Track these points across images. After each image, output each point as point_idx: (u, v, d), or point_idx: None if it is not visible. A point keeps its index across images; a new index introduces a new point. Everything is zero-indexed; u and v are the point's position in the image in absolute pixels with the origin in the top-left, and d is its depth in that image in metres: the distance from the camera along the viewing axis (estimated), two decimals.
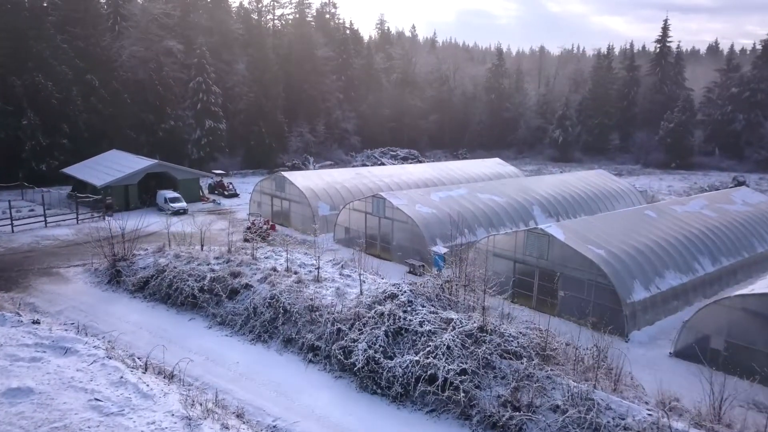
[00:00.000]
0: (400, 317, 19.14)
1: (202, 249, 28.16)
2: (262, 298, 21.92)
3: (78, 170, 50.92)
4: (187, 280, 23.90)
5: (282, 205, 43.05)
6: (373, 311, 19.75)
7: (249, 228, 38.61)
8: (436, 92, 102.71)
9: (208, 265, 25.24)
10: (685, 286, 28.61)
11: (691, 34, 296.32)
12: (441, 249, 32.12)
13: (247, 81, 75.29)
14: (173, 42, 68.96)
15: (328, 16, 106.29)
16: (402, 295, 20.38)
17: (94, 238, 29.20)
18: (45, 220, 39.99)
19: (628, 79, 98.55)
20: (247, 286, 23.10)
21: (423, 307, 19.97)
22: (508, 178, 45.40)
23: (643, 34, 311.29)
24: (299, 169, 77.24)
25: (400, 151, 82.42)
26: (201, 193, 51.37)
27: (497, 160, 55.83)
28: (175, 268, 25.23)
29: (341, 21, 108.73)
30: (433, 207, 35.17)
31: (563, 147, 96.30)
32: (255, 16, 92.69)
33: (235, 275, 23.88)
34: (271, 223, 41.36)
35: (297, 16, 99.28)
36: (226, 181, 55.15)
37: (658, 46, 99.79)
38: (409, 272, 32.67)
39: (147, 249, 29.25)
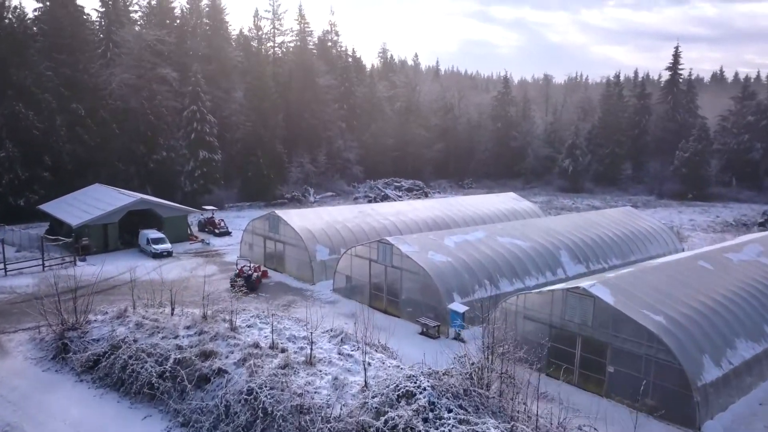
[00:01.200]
0: None
1: (172, 313, 22.83)
2: (237, 392, 16.53)
3: (55, 207, 45.88)
4: (146, 362, 18.54)
5: (276, 247, 37.85)
6: (382, 420, 14.39)
7: (236, 277, 33.36)
8: (440, 121, 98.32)
9: (175, 338, 19.91)
10: (758, 357, 23.19)
11: (692, 62, 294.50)
12: (460, 307, 26.77)
13: (245, 110, 70.77)
14: (167, 69, 64.58)
15: (330, 43, 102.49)
16: (420, 394, 15.03)
17: (49, 293, 23.92)
18: (5, 267, 34.68)
19: (639, 107, 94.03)
20: (220, 372, 17.72)
21: (449, 411, 14.61)
22: (529, 219, 40.28)
23: (644, 63, 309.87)
24: (299, 201, 72.35)
25: (404, 182, 77.51)
26: (189, 232, 46.24)
27: (511, 194, 50.75)
28: (134, 342, 19.89)
29: (343, 49, 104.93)
30: (448, 254, 29.92)
31: (573, 177, 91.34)
32: (255, 44, 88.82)
33: (206, 355, 18.52)
34: (263, 269, 36.11)
35: (298, 43, 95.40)
36: (217, 217, 50.01)
37: (670, 73, 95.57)
38: (422, 333, 27.31)
39: (107, 312, 23.87)
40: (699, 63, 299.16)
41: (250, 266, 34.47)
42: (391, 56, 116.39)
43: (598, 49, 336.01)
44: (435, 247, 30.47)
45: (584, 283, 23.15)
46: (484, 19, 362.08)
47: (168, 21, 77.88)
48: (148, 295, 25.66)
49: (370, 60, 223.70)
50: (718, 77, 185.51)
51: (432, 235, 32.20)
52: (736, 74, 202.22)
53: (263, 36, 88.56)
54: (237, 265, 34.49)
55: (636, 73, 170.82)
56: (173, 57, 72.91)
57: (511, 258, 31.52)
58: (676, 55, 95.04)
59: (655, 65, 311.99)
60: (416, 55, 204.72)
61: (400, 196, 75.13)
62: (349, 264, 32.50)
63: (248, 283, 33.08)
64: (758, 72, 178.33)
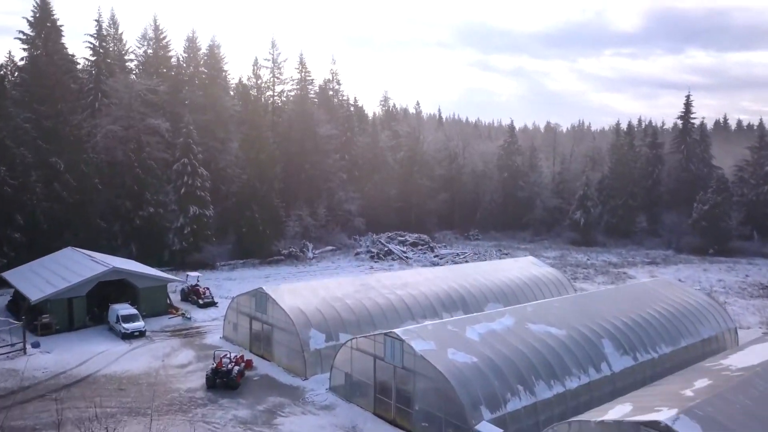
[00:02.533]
0: None
1: None
2: None
3: (18, 276, 39.93)
4: None
5: (263, 329, 31.69)
6: None
7: (214, 373, 27.11)
8: (444, 171, 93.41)
9: None
10: None
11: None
12: (491, 428, 20.48)
13: (241, 162, 65.68)
14: (158, 120, 59.80)
15: (331, 92, 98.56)
16: None
17: None
18: None
19: (651, 157, 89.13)
20: None
21: None
22: (561, 298, 34.11)
23: (643, 111, 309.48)
24: (296, 258, 66.41)
25: (408, 236, 71.74)
26: (169, 302, 40.14)
27: (531, 259, 44.82)
28: None
29: (345, 97, 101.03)
30: (471, 351, 23.78)
31: (585, 229, 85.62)
32: (254, 92, 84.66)
33: None
34: (246, 358, 29.85)
35: (299, 92, 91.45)
36: (202, 284, 43.92)
37: (681, 122, 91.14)
38: None
39: None
40: (696, 110, 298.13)
41: (230, 357, 28.23)
42: (394, 105, 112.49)
43: (596, 97, 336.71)
44: (455, 341, 24.34)
45: (664, 415, 16.93)
46: (484, 68, 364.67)
47: (164, 69, 73.83)
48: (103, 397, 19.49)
49: (372, 108, 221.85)
50: (720, 125, 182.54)
51: (451, 324, 26.06)
52: (739, 122, 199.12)
53: (262, 85, 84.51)
54: (215, 358, 28.24)
55: (640, 120, 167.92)
56: (167, 107, 68.48)
57: (547, 352, 25.35)
58: (688, 104, 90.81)
59: (653, 112, 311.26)
60: (418, 103, 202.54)
61: (405, 252, 69.21)
62: (348, 358, 26.32)
63: (228, 380, 26.85)
64: (760, 119, 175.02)
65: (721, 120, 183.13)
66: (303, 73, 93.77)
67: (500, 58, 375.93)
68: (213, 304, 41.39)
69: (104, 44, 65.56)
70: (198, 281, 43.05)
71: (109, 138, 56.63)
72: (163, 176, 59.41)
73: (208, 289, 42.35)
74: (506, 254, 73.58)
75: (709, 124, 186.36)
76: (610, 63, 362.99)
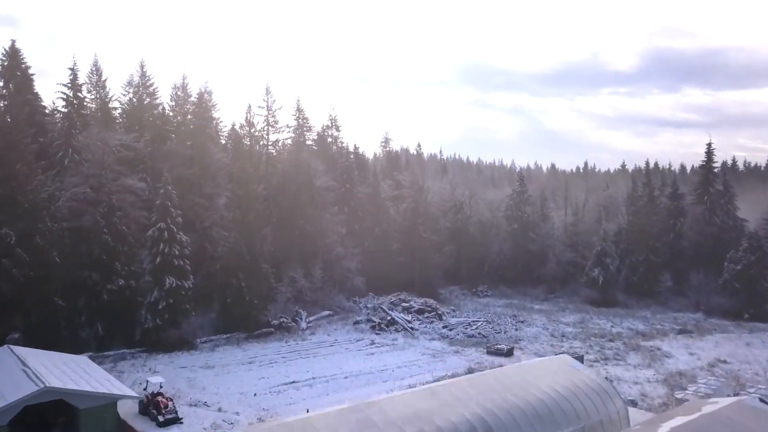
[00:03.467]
0: None
1: None
2: None
3: None
4: None
5: None
6: None
7: None
8: (450, 223, 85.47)
9: None
10: None
11: (686, 147, 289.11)
12: None
13: (227, 222, 57.69)
14: (132, 180, 52.13)
15: (330, 139, 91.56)
16: None
17: None
18: None
19: (672, 209, 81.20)
20: None
21: None
22: None
23: (642, 148, 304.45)
24: (287, 329, 57.71)
25: (414, 301, 63.18)
26: (118, 419, 31.45)
27: (566, 359, 36.24)
28: None
29: (344, 144, 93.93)
30: None
31: (604, 288, 77.19)
32: (247, 141, 77.29)
33: None
34: None
35: (296, 138, 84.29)
36: (166, 391, 35.14)
37: (702, 171, 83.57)
38: None
39: None
40: (692, 147, 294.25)
41: None
42: (397, 152, 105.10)
43: (595, 134, 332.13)
44: None
45: None
46: (484, 106, 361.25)
47: (151, 118, 66.66)
48: None
49: (372, 148, 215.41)
50: (728, 167, 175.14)
51: None
52: (746, 163, 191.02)
53: (256, 133, 77.18)
54: None
55: (647, 164, 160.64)
56: (149, 161, 61.02)
57: None
58: (710, 153, 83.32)
59: (652, 150, 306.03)
60: (419, 145, 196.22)
61: (410, 322, 60.54)
62: None
63: None
64: None
65: (729, 161, 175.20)
66: (300, 120, 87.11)
67: (499, 96, 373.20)
68: (176, 420, 32.62)
69: (79, 94, 58.32)
70: (161, 387, 34.39)
71: (76, 201, 48.74)
72: (137, 242, 51.34)
73: (171, 400, 33.61)
74: (522, 321, 64.99)
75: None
76: (607, 101, 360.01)
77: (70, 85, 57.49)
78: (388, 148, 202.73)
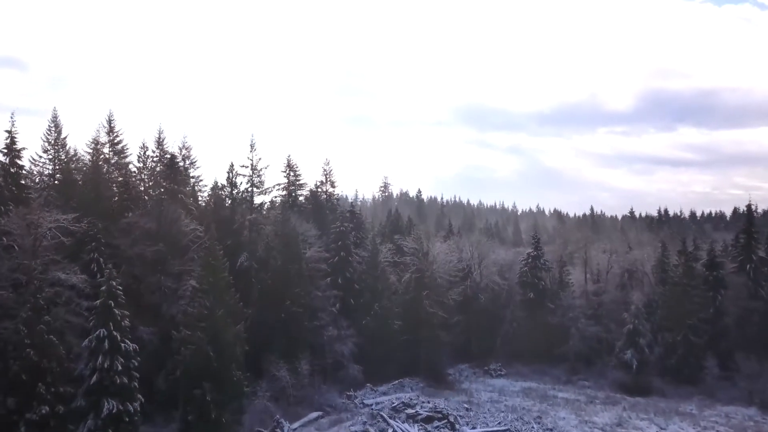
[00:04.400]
0: None
1: None
2: None
3: None
4: None
5: None
6: None
7: None
8: (459, 295, 73.72)
9: None
10: None
11: (683, 185, 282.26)
12: None
13: (191, 319, 45.83)
14: (69, 273, 40.66)
15: (324, 196, 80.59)
16: None
17: None
18: None
19: (711, 280, 69.74)
20: None
21: None
22: None
23: (640, 186, 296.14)
24: None
25: (420, 409, 50.76)
26: None
27: None
28: None
29: (340, 198, 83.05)
30: None
31: (637, 372, 65.12)
32: (229, 204, 66.14)
33: None
34: None
35: (286, 199, 73.38)
36: None
37: (744, 236, 72.43)
38: None
39: None
40: (690, 185, 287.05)
41: None
42: (399, 217, 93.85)
43: (592, 172, 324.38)
44: None
45: None
46: (482, 145, 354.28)
47: (120, 178, 55.70)
48: None
49: (371, 189, 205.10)
50: (740, 213, 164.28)
51: None
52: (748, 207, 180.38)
53: (238, 196, 66.07)
54: None
55: (660, 212, 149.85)
56: (103, 238, 49.70)
57: None
58: (750, 215, 72.42)
59: (650, 188, 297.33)
60: (419, 191, 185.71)
61: None
62: None
63: None
64: None
65: (739, 209, 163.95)
66: (290, 176, 76.43)
67: (497, 135, 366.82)
68: None
69: (18, 160, 47.29)
70: None
71: None
72: (73, 355, 39.54)
73: None
74: (551, 430, 52.59)
75: (726, 210, 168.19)
76: (604, 140, 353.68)
77: (6, 150, 46.54)
78: (386, 193, 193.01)
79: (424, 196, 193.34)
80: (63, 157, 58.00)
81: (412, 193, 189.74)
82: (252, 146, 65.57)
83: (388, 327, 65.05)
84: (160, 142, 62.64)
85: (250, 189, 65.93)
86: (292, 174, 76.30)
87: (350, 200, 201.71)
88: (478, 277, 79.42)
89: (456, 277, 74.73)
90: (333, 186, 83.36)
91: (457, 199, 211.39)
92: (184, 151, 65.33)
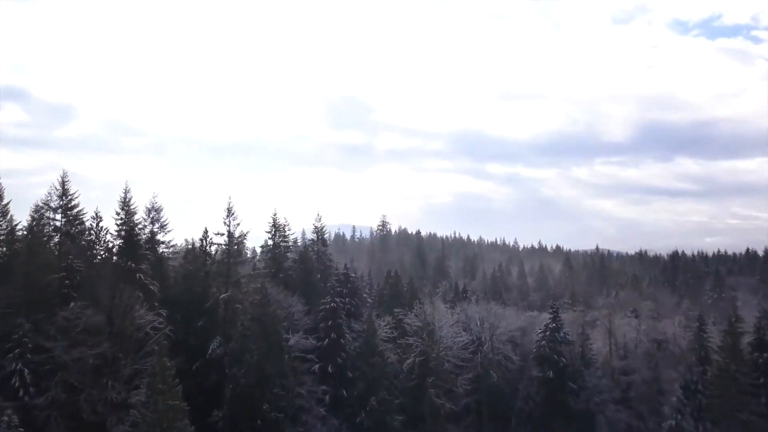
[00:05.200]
0: None
1: None
2: None
3: None
4: None
5: None
6: None
7: None
8: (469, 382, 62.63)
9: None
10: None
11: (680, 215, 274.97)
12: None
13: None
14: None
15: (314, 256, 70.10)
16: None
17: None
18: None
19: (760, 363, 58.84)
20: None
21: None
22: None
23: (636, 216, 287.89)
24: None
25: None
26: None
27: None
28: None
29: (332, 261, 72.62)
30: None
31: None
32: (201, 275, 55.48)
33: None
34: None
35: (269, 270, 62.79)
36: None
37: None
38: None
39: None
40: (687, 215, 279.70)
41: None
42: (397, 274, 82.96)
43: (590, 202, 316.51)
44: None
45: None
46: (479, 176, 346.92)
47: (38, 271, 44.71)
48: None
49: (368, 223, 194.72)
50: (753, 253, 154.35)
51: None
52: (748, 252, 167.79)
53: (213, 269, 55.47)
54: None
55: (675, 254, 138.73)
56: (24, 348, 38.91)
57: None
58: None
59: (646, 217, 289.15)
60: (419, 231, 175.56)
61: None
62: None
63: None
64: None
65: (752, 250, 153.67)
66: (276, 237, 66.14)
67: (495, 166, 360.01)
68: None
69: None
70: None
71: None
72: None
73: None
74: None
75: (736, 250, 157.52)
76: (601, 170, 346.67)
77: None
78: (384, 232, 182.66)
79: (423, 232, 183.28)
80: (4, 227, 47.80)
81: (411, 230, 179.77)
82: (230, 211, 55.33)
83: (388, 425, 53.88)
84: (126, 203, 52.59)
85: (226, 260, 55.38)
86: (278, 235, 66.08)
87: (348, 237, 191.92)
88: (489, 351, 68.37)
89: (466, 359, 63.64)
90: (324, 245, 73.12)
91: (456, 235, 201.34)
92: (153, 213, 55.21)
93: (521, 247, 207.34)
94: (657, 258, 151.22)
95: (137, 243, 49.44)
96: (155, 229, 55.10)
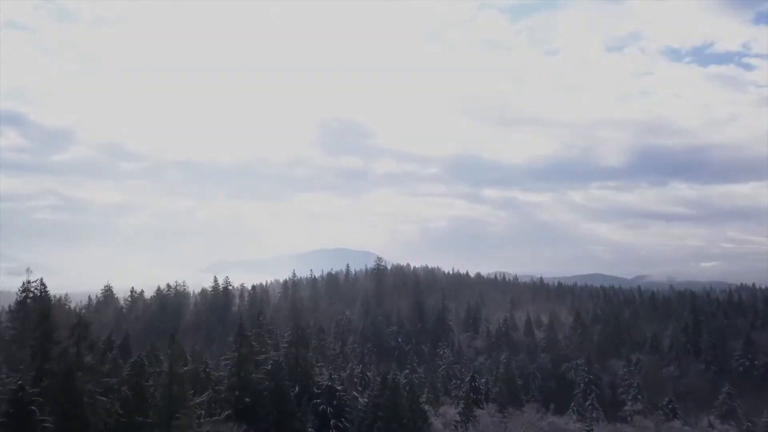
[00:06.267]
0: None
1: None
2: None
3: None
4: None
5: None
6: None
7: None
8: None
9: None
10: None
11: (676, 239, 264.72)
12: None
13: None
14: None
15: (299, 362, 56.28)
16: None
17: None
18: None
19: None
20: None
21: None
22: None
23: (633, 240, 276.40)
24: None
25: None
26: None
27: None
28: None
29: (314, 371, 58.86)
30: None
31: None
32: None
33: None
34: None
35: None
36: None
37: None
38: None
39: None
40: (683, 239, 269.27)
41: None
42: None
43: (586, 226, 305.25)
44: None
45: None
46: (475, 200, 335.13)
47: None
48: None
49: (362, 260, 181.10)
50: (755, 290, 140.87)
51: None
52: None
53: None
54: None
55: (692, 296, 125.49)
56: None
57: None
58: None
59: (641, 241, 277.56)
60: (415, 271, 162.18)
61: None
62: None
63: None
64: None
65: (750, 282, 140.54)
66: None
67: (491, 191, 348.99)
68: None
69: None
70: None
71: None
72: None
73: None
74: None
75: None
76: (597, 195, 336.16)
77: None
78: (379, 267, 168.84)
79: (420, 261, 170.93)
80: None
81: (407, 260, 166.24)
82: None
83: None
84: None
85: None
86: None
87: (341, 276, 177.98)
88: None
89: None
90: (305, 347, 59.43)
91: (455, 271, 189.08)
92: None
93: (521, 280, 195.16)
94: (666, 300, 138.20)
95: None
96: None
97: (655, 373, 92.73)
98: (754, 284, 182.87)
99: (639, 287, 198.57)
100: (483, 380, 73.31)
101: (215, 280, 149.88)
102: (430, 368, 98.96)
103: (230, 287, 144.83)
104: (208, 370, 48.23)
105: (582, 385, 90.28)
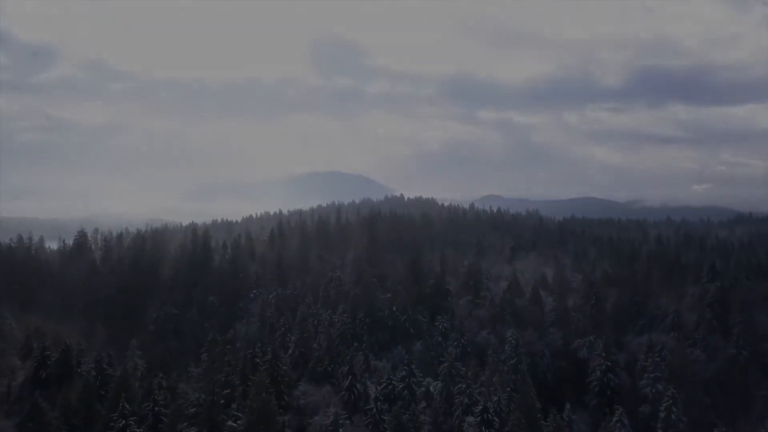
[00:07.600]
0: None
1: None
2: None
3: None
4: None
5: None
6: None
7: None
8: None
9: None
10: None
11: (669, 161, 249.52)
12: None
13: None
14: None
15: None
16: None
17: None
18: None
19: None
20: None
21: None
22: None
23: (626, 163, 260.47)
24: None
25: None
26: None
27: None
28: None
29: None
30: None
31: None
32: None
33: None
34: None
35: None
36: None
37: None
38: None
39: None
40: (677, 162, 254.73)
41: None
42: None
43: (580, 149, 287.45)
44: None
45: None
46: (470, 121, 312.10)
47: None
48: None
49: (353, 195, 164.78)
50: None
51: None
52: None
53: None
54: None
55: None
56: None
57: None
58: None
59: (636, 164, 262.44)
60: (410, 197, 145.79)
61: None
62: None
63: None
64: None
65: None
66: None
67: (486, 112, 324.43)
68: None
69: None
70: None
71: None
72: None
73: None
74: None
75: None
76: (592, 116, 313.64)
77: None
78: (373, 214, 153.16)
79: (413, 191, 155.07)
80: None
81: (401, 191, 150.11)
82: None
83: None
84: None
85: None
86: None
87: (333, 219, 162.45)
88: None
89: None
90: None
91: (451, 203, 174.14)
92: None
93: (513, 208, 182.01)
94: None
95: None
96: None
97: (683, 358, 79.87)
98: (750, 214, 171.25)
99: (642, 227, 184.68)
100: (495, 399, 59.92)
101: (194, 232, 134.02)
102: (428, 347, 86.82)
103: (211, 244, 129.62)
104: None
105: (599, 372, 78.48)
